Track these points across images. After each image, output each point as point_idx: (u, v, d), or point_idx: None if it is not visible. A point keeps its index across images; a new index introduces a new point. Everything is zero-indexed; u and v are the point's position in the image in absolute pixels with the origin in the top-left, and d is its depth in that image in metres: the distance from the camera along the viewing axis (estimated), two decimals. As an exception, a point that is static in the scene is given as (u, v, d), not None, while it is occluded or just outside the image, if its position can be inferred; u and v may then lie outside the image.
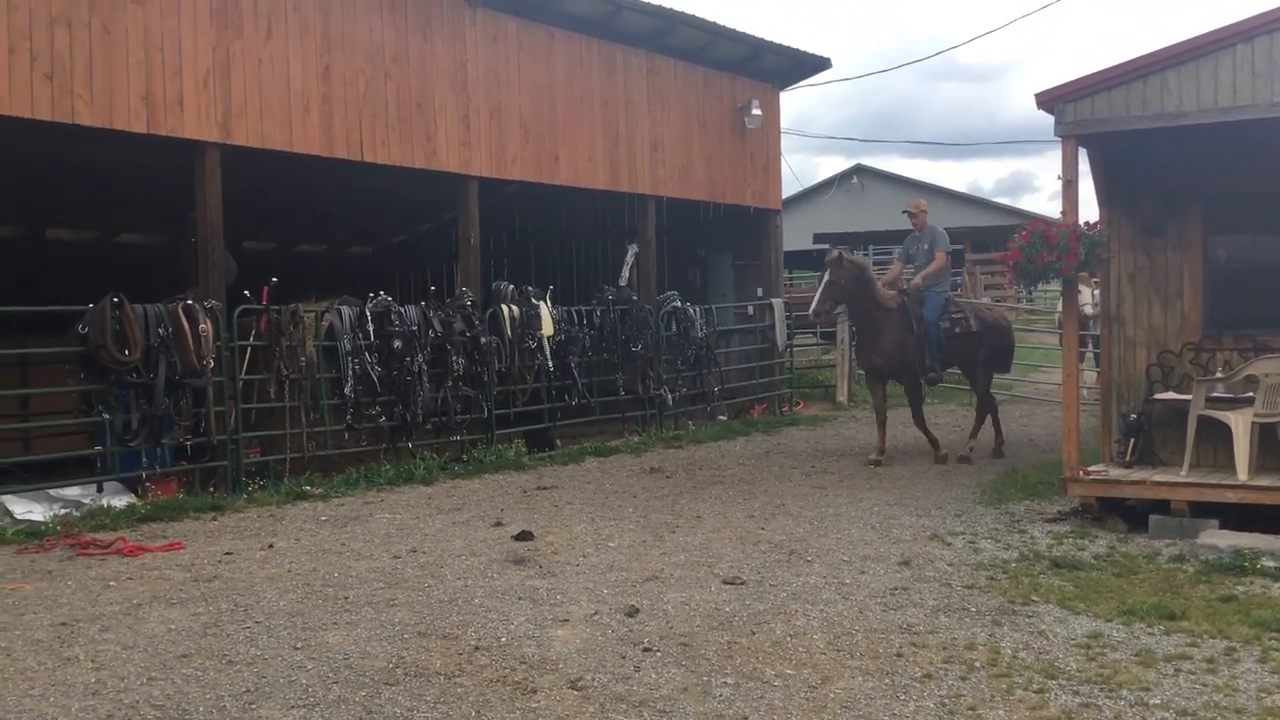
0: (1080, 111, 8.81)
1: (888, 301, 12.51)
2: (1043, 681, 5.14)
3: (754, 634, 5.88)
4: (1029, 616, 6.18)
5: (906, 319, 12.46)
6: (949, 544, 8.03)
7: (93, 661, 5.48)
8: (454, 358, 12.28)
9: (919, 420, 12.90)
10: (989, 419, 13.23)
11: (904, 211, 13.58)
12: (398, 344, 11.64)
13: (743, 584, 6.90)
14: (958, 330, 12.84)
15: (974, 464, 12.20)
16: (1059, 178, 8.99)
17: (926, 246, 13.05)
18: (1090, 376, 15.73)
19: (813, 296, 12.95)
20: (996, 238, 35.78)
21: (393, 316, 11.72)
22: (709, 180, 17.06)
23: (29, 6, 9.40)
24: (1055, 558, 7.54)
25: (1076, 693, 5.00)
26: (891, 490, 10.41)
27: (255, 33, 11.03)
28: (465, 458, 12.40)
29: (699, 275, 19.76)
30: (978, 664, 5.39)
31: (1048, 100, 8.91)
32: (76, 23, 9.68)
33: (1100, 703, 4.89)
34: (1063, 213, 9.01)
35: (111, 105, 9.93)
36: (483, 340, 12.65)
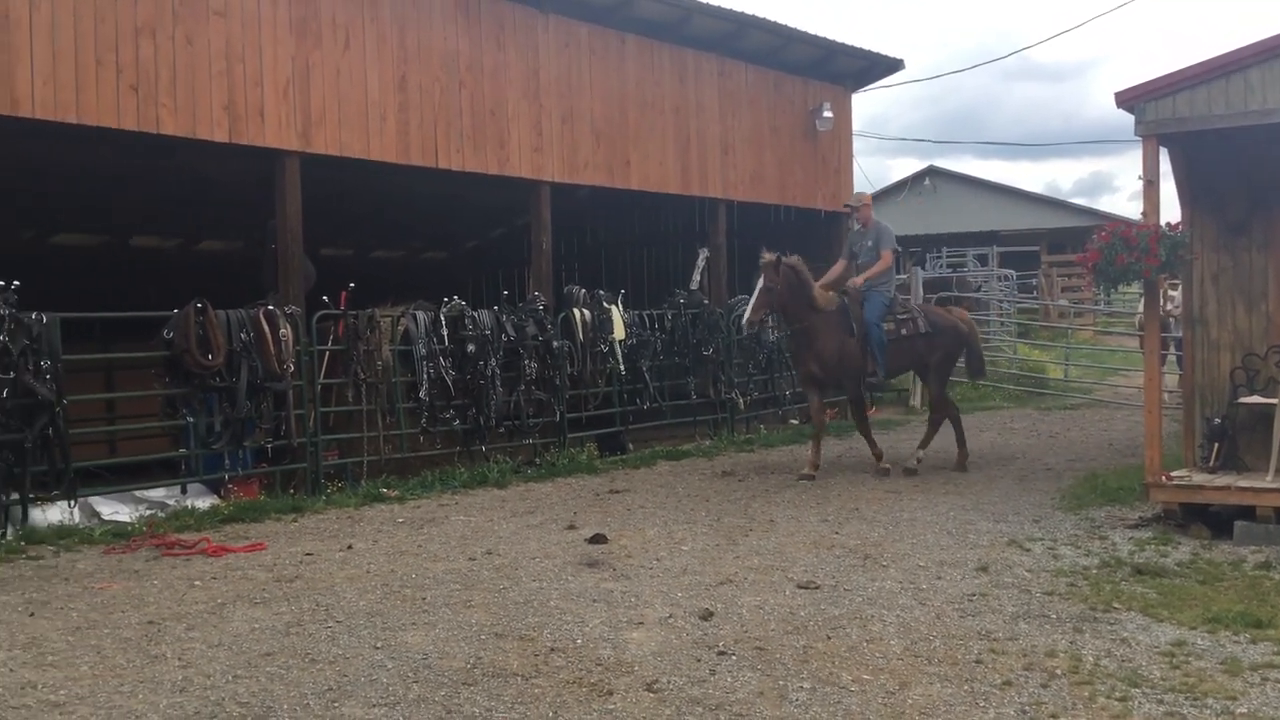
0: (1161, 110, 8.66)
1: (825, 304, 11.73)
2: (1126, 690, 5.05)
3: (830, 639, 5.85)
4: (1111, 624, 6.08)
5: (846, 321, 11.74)
6: (1028, 550, 7.93)
7: (180, 659, 5.61)
8: (526, 361, 12.38)
9: (863, 427, 12.32)
10: (954, 430, 12.43)
11: (846, 205, 12.78)
12: (471, 348, 11.77)
13: (817, 588, 6.88)
14: (904, 332, 12.08)
15: (919, 474, 11.60)
16: (1139, 178, 8.85)
17: (871, 243, 12.23)
18: (1171, 380, 15.42)
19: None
20: (1073, 239, 35.25)
21: (466, 321, 11.85)
22: (780, 184, 17.02)
23: (115, 19, 9.66)
24: (1137, 564, 7.40)
25: (1160, 701, 4.92)
26: (967, 495, 10.30)
27: (334, 43, 11.23)
28: (538, 461, 12.49)
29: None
30: (1059, 671, 5.31)
31: (1128, 99, 8.77)
32: (161, 34, 9.93)
33: (1185, 711, 4.80)
34: (1144, 213, 8.87)
35: (194, 115, 10.17)
36: (555, 344, 12.74)
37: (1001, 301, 26.42)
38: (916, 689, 5.12)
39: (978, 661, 5.47)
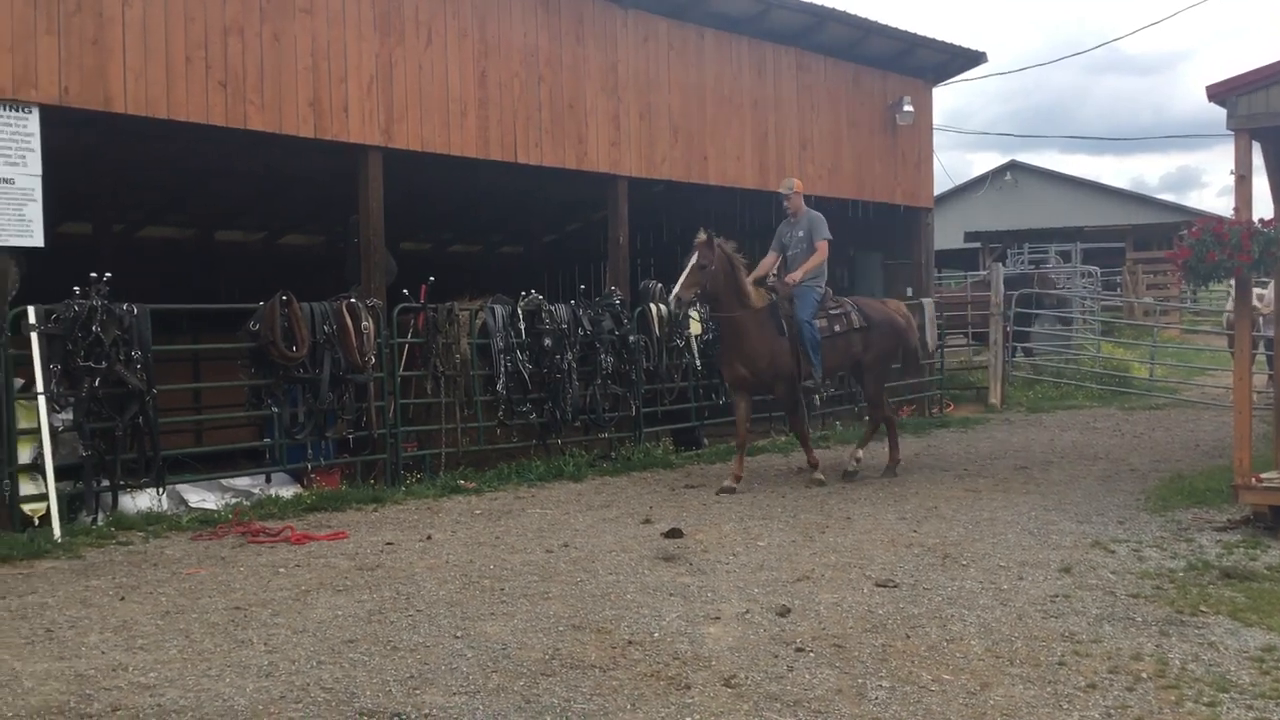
0: (1254, 104, 8.43)
1: (754, 299, 10.79)
2: (1214, 694, 4.95)
3: (909, 638, 5.80)
4: (1198, 628, 5.95)
5: (776, 320, 10.83)
6: (1112, 551, 7.78)
7: (265, 645, 5.73)
8: (603, 356, 12.42)
9: (801, 433, 11.44)
10: (888, 433, 11.93)
11: (778, 192, 11.72)
12: (548, 342, 11.83)
13: (896, 587, 6.82)
14: (837, 329, 11.23)
15: (860, 477, 11.18)
16: (1231, 173, 8.63)
17: (803, 234, 11.24)
18: (1261, 379, 15.03)
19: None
20: (1159, 235, 34.49)
21: (543, 315, 11.92)
22: (858, 178, 16.88)
23: (204, 17, 9.86)
24: (1225, 567, 7.23)
25: (1250, 707, 4.81)
26: (1049, 495, 10.13)
27: (416, 39, 11.36)
28: (613, 455, 12.53)
29: (846, 274, 19.55)
30: (1144, 675, 5.22)
31: (1219, 93, 8.56)
32: (249, 32, 10.12)
33: (1275, 718, 4.69)
34: (1235, 209, 8.64)
35: (281, 111, 10.35)
36: (631, 339, 12.77)
37: (1085, 299, 25.94)
38: (998, 690, 5.06)
39: (1061, 663, 5.39)
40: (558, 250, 22.66)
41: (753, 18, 14.73)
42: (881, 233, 18.65)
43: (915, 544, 8.07)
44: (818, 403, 15.29)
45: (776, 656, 5.49)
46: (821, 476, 10.88)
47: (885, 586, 6.83)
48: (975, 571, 7.22)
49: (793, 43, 15.58)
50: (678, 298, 10.56)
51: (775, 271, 11.27)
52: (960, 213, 38.35)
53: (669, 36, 13.98)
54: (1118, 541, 8.08)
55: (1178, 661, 5.40)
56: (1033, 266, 29.64)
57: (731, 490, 10.46)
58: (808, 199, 16.05)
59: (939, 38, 17.44)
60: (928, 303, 17.70)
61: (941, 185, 31.83)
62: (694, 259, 10.49)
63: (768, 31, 15.12)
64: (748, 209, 18.88)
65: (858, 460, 11.45)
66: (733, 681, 5.13)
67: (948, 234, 32.02)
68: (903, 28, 16.77)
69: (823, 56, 16.12)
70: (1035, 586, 6.83)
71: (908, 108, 17.13)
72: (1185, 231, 8.79)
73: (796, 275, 10.99)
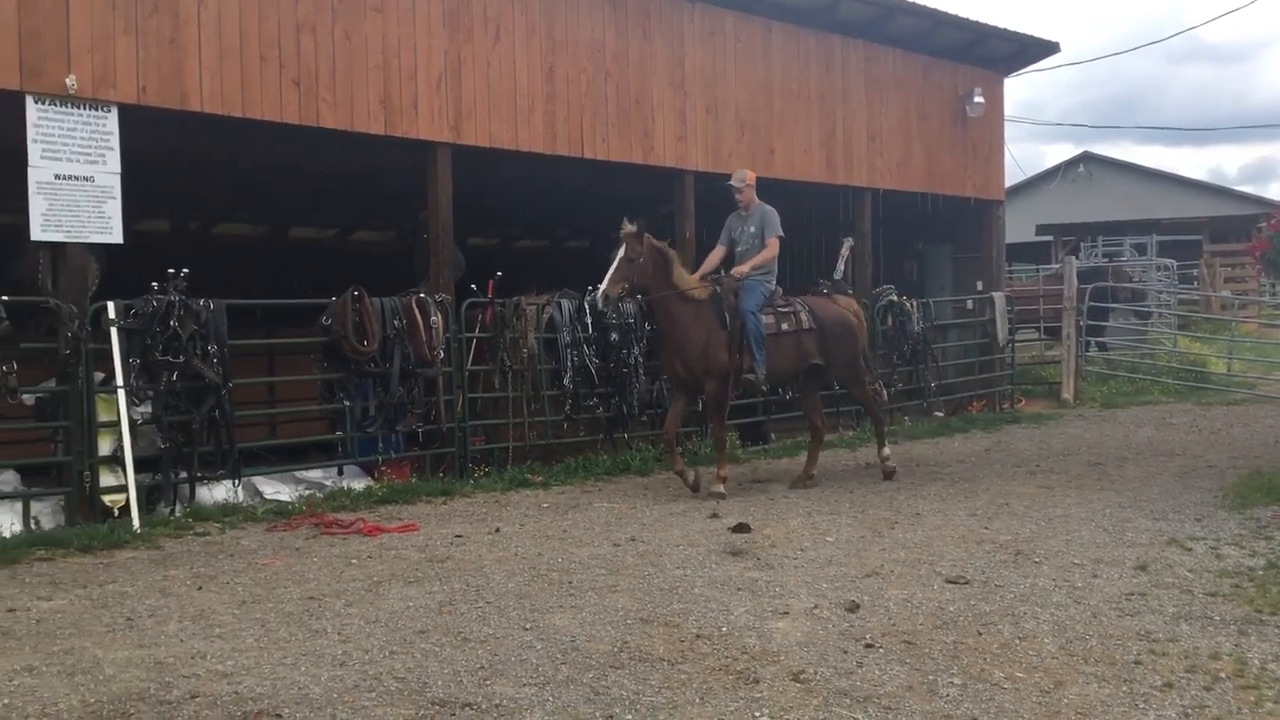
0: (1340, 90, 8.20)
1: (693, 290, 10.21)
2: (1297, 697, 4.84)
3: (980, 635, 5.74)
4: (1278, 627, 5.82)
5: (717, 312, 10.22)
6: (1189, 549, 7.63)
7: (339, 634, 5.82)
8: (670, 350, 12.41)
9: (718, 436, 10.55)
10: (812, 440, 11.29)
11: (727, 184, 11.06)
12: (615, 336, 11.86)
13: (967, 583, 6.75)
14: (785, 328, 10.59)
15: (817, 485, 10.61)
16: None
17: (754, 229, 10.67)
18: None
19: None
20: (1237, 228, 33.74)
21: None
22: (928, 171, 16.70)
23: (278, 16, 10.01)
24: (1308, 567, 7.06)
25: (1336, 711, 4.69)
26: (1124, 492, 9.96)
27: (484, 36, 11.44)
28: (680, 450, 12.51)
29: (915, 268, 19.37)
30: (1223, 674, 5.11)
31: (1303, 79, 8.33)
32: (321, 30, 10.26)
33: (1363, 723, 4.57)
34: (1319, 199, 8.41)
35: (352, 108, 10.48)
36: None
37: (1161, 292, 25.44)
38: (1072, 688, 4.98)
39: (1137, 662, 5.30)
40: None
41: (821, 10, 14.62)
42: (951, 226, 18.43)
43: (986, 540, 7.98)
44: (885, 398, 15.20)
45: (846, 652, 5.46)
46: (722, 490, 10.02)
47: (956, 583, 6.76)
48: (1048, 569, 7.12)
49: (861, 35, 15.45)
50: (605, 295, 9.91)
51: (721, 269, 10.75)
52: (1032, 205, 37.81)
53: (736, 30, 13.93)
54: (1195, 539, 7.92)
55: (1257, 661, 5.29)
56: (1107, 260, 29.12)
57: (695, 486, 10.04)
58: (874, 193, 16.02)
59: (1011, 28, 17.19)
60: (998, 296, 17.51)
61: (1013, 177, 31.44)
62: (621, 252, 9.92)
63: (836, 24, 15.01)
64: (816, 202, 18.77)
65: (886, 459, 11.08)
66: (802, 676, 5.11)
67: (1019, 227, 31.54)
68: (974, 18, 16.57)
69: (892, 48, 15.96)
70: (1110, 584, 6.72)
71: (978, 99, 16.90)
72: (1264, 224, 8.59)
73: (744, 268, 10.46)
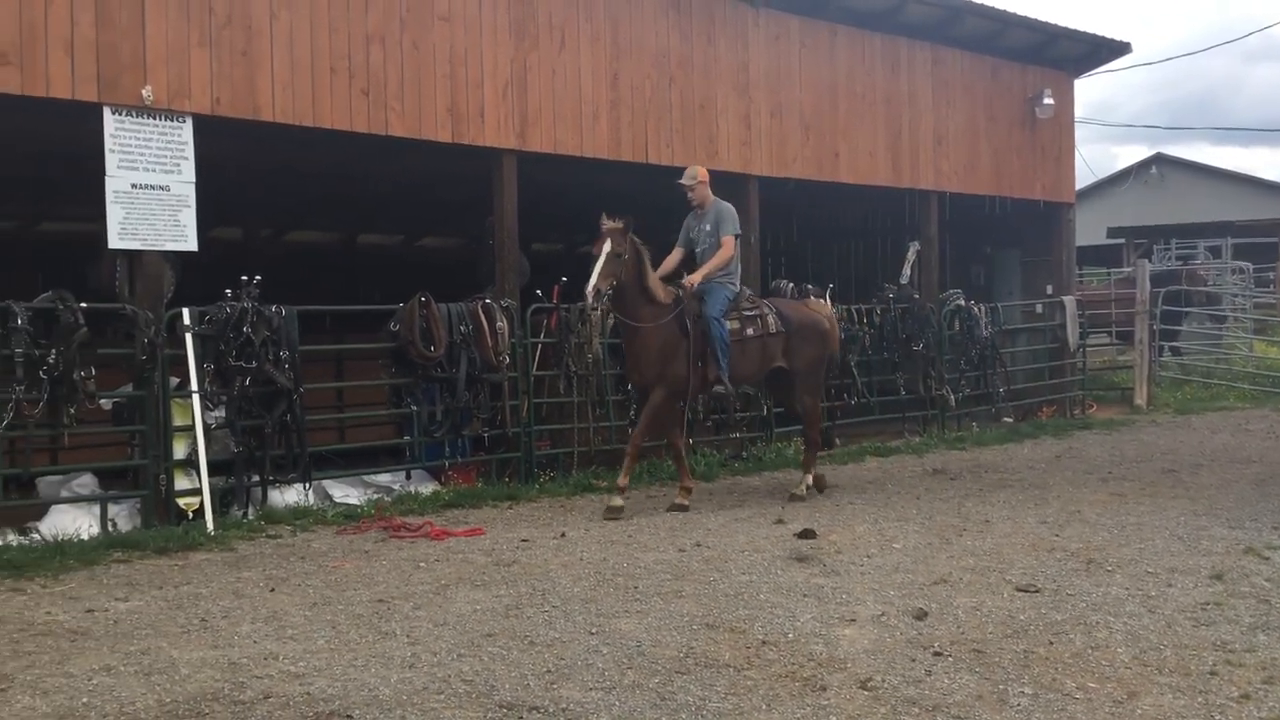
0: None
1: (660, 296, 9.71)
2: (1382, 711, 4.71)
3: (1052, 644, 5.66)
4: (1363, 640, 5.67)
5: (679, 318, 9.70)
6: (1266, 558, 7.46)
7: (408, 637, 5.88)
8: (734, 356, 12.38)
9: (676, 447, 10.09)
10: (805, 449, 10.74)
11: (679, 183, 10.47)
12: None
13: (1037, 592, 6.65)
14: (750, 332, 10.05)
15: (807, 500, 10.10)
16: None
17: (710, 228, 10.15)
18: None
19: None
20: (1316, 230, 32.88)
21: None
22: (995, 174, 16.51)
23: (347, 28, 10.15)
24: (1393, 578, 6.87)
25: None
26: (1199, 500, 9.76)
27: (550, 44, 11.51)
28: (744, 455, 12.50)
29: (983, 272, 19.15)
30: (1303, 688, 4.99)
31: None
32: (389, 41, 10.39)
33: None
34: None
35: (420, 117, 10.60)
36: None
37: (1236, 296, 24.89)
38: (1146, 699, 4.90)
39: (1212, 673, 5.20)
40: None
41: (886, 13, 14.52)
42: (1020, 230, 18.21)
43: (1057, 548, 7.86)
44: (953, 403, 15.05)
45: (914, 660, 5.41)
46: (685, 502, 9.71)
47: (1026, 591, 6.67)
48: (1121, 577, 7.00)
49: (927, 37, 15.32)
50: (595, 289, 9.35)
51: (683, 272, 10.25)
52: (1103, 208, 37.17)
53: (800, 34, 13.88)
54: (1273, 548, 7.75)
55: (1340, 674, 5.16)
56: (1180, 263, 28.55)
57: (619, 510, 9.33)
58: (941, 196, 15.86)
59: (1081, 28, 16.98)
60: (1069, 301, 17.26)
61: (1083, 180, 30.90)
62: (608, 247, 9.44)
63: (902, 26, 14.90)
64: (881, 206, 18.66)
65: (807, 488, 10.29)
66: (869, 684, 5.08)
67: (1090, 230, 31.02)
68: (1042, 19, 16.36)
69: (959, 50, 15.81)
70: (1185, 593, 6.60)
71: (1048, 100, 16.69)
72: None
73: (696, 277, 9.91)
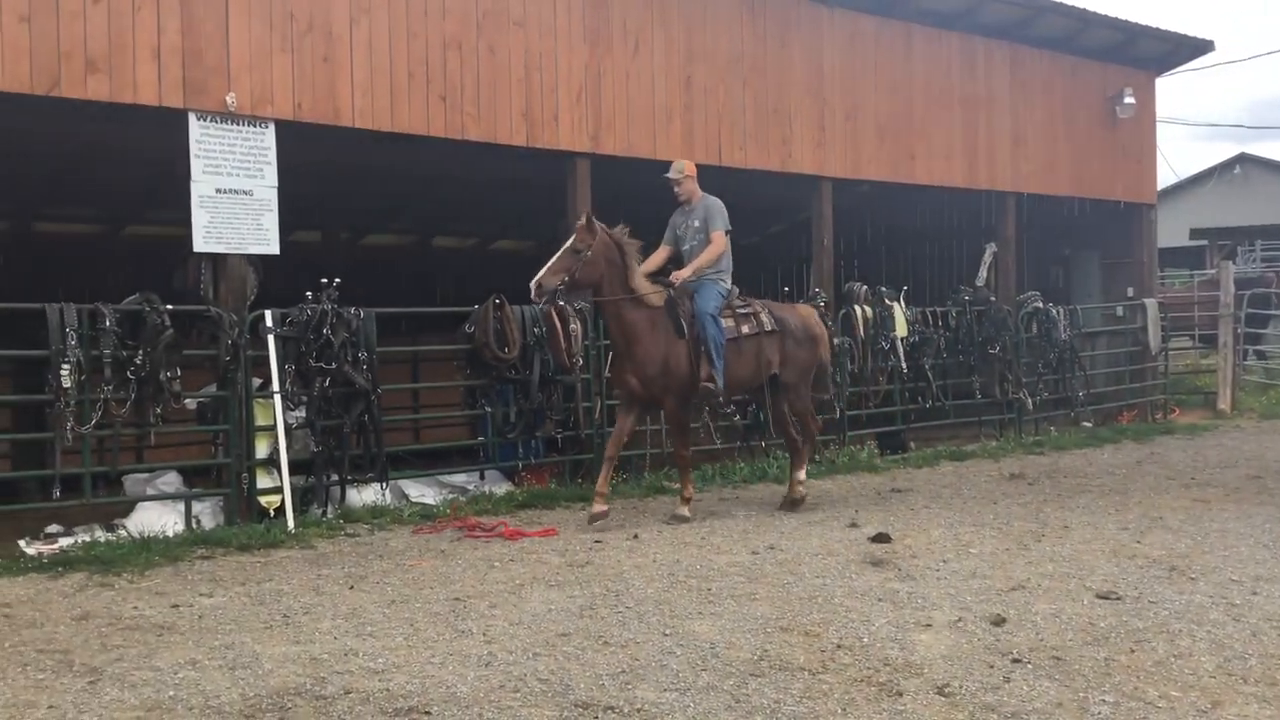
0: None
1: (648, 296, 9.21)
2: None
3: (1133, 652, 5.56)
4: None
5: (674, 319, 9.22)
6: (1358, 568, 7.26)
7: (484, 635, 5.94)
8: (807, 358, 12.35)
9: (681, 457, 9.59)
10: (791, 456, 10.21)
11: (664, 177, 9.96)
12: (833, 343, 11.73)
13: (1118, 599, 6.54)
14: (745, 331, 9.55)
15: (804, 505, 9.74)
16: None
17: (698, 224, 9.67)
18: None
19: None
20: None
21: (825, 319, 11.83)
22: (1075, 174, 16.25)
23: (425, 34, 10.29)
24: None
25: None
26: (1286, 507, 9.53)
27: (624, 48, 11.57)
28: (817, 458, 12.42)
29: (1062, 274, 18.85)
30: (1398, 702, 4.85)
31: None
32: (466, 46, 10.51)
33: None
34: None
35: (495, 121, 10.71)
36: (835, 341, 12.65)
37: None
38: (1231, 709, 4.79)
39: (1302, 685, 5.07)
40: (760, 252, 22.59)
41: (963, 13, 14.38)
42: (1100, 231, 17.91)
43: (1139, 555, 7.72)
44: (1030, 407, 14.83)
45: (992, 666, 5.35)
46: (686, 513, 9.28)
47: (1107, 598, 6.56)
48: (1205, 585, 6.85)
49: (1005, 37, 15.14)
50: (538, 284, 8.77)
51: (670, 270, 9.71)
52: (1185, 209, 36.41)
53: (876, 35, 13.79)
54: (1366, 558, 7.53)
55: None
56: (1265, 265, 27.86)
57: (603, 515, 8.93)
58: (1018, 197, 15.64)
59: (1163, 26, 16.64)
60: (1150, 303, 16.94)
61: (1164, 180, 30.28)
62: (568, 242, 9.05)
63: (979, 26, 14.74)
64: (957, 207, 18.47)
65: (797, 492, 9.85)
66: (946, 690, 5.03)
67: (1171, 231, 30.41)
68: (1124, 17, 16.09)
69: (1037, 50, 15.60)
70: (1271, 602, 6.44)
71: (1129, 99, 16.39)
72: None
73: (684, 273, 9.42)
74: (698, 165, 12.22)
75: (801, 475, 9.97)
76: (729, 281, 9.74)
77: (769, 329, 9.72)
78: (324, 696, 4.99)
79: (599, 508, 8.97)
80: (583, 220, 9.18)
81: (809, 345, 10.07)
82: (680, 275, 9.41)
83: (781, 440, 12.38)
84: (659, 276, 9.53)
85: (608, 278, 9.07)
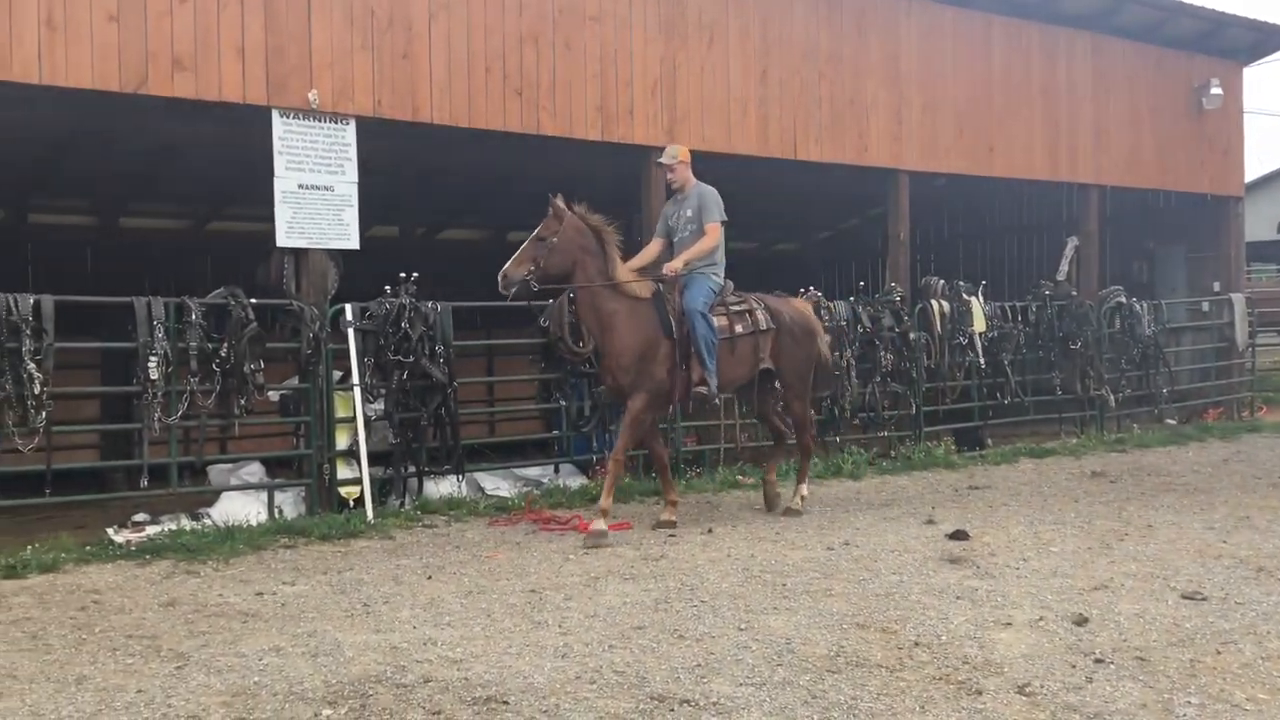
0: None
1: (630, 285, 8.71)
2: None
3: (1220, 653, 5.44)
4: None
5: (661, 315, 8.71)
6: None
7: (560, 627, 5.98)
8: (882, 353, 12.28)
9: (660, 461, 9.19)
10: (801, 459, 9.81)
11: (657, 162, 9.56)
12: (827, 339, 11.74)
13: (1204, 600, 6.40)
14: (740, 329, 9.04)
15: (804, 513, 9.34)
16: None
17: (691, 213, 9.09)
18: None
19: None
20: None
21: (821, 312, 11.84)
22: (1159, 167, 15.90)
23: (502, 29, 10.37)
24: None
25: None
26: (1381, 508, 9.25)
27: (699, 41, 11.55)
28: (893, 454, 12.34)
29: (1145, 269, 18.47)
30: None
31: None
32: (542, 41, 10.57)
33: None
34: None
35: (571, 116, 10.76)
36: (911, 336, 12.54)
37: None
38: (1324, 715, 4.67)
39: (1398, 691, 4.92)
40: (835, 246, 22.46)
41: (1044, 2, 14.17)
42: (1185, 225, 17.51)
43: (1225, 555, 7.55)
44: (1113, 404, 14.55)
45: (1074, 666, 5.27)
46: (671, 518, 8.82)
47: (1192, 599, 6.42)
48: (1295, 587, 6.69)
49: (1087, 26, 14.86)
50: (504, 275, 8.46)
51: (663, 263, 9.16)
52: (1274, 202, 35.43)
53: (954, 26, 13.62)
54: None
55: None
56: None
57: (603, 535, 8.14)
58: (1101, 190, 15.33)
59: (1251, 15, 16.23)
60: (1238, 298, 16.53)
61: (1252, 173, 29.50)
62: (536, 231, 8.69)
63: (1060, 16, 14.49)
64: (1037, 200, 18.19)
65: (802, 499, 9.51)
66: (1027, 690, 4.96)
67: (1259, 225, 29.62)
68: (1209, 6, 15.70)
69: (1120, 39, 15.29)
70: (1366, 606, 6.26)
71: (1215, 90, 16.01)
72: None
73: (676, 263, 8.87)
74: (772, 159, 12.27)
75: (804, 489, 9.56)
76: (722, 276, 9.21)
77: (764, 327, 9.23)
78: (404, 684, 5.06)
79: (606, 514, 8.42)
80: (552, 206, 8.73)
81: (807, 341, 9.58)
82: (673, 266, 8.89)
83: (856, 437, 12.36)
84: (652, 269, 9.06)
85: (581, 265, 8.62)
